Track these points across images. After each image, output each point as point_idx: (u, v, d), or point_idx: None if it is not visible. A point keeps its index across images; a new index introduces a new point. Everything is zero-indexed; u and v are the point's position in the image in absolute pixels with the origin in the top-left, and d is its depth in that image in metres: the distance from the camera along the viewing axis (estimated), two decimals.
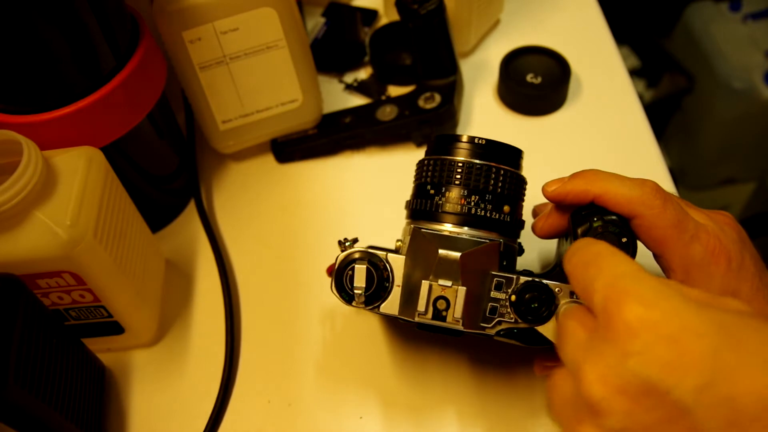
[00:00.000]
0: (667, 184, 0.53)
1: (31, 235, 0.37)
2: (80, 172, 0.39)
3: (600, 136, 0.58)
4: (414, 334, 0.47)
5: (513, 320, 0.36)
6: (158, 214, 0.55)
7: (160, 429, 0.45)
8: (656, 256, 0.37)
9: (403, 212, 0.42)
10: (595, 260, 0.30)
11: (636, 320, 0.26)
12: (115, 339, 0.46)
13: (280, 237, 0.54)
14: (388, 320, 0.47)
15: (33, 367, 0.35)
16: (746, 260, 0.36)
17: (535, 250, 0.49)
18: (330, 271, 0.39)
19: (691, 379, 0.24)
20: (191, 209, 0.56)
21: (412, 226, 0.39)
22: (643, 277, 0.28)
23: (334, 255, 0.40)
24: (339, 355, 0.47)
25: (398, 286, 0.38)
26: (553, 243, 0.44)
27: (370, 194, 0.56)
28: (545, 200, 0.42)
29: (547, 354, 0.39)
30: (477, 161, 0.39)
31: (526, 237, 0.42)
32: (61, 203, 0.38)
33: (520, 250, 0.41)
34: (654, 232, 0.35)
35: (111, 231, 0.41)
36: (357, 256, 0.39)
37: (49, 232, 0.37)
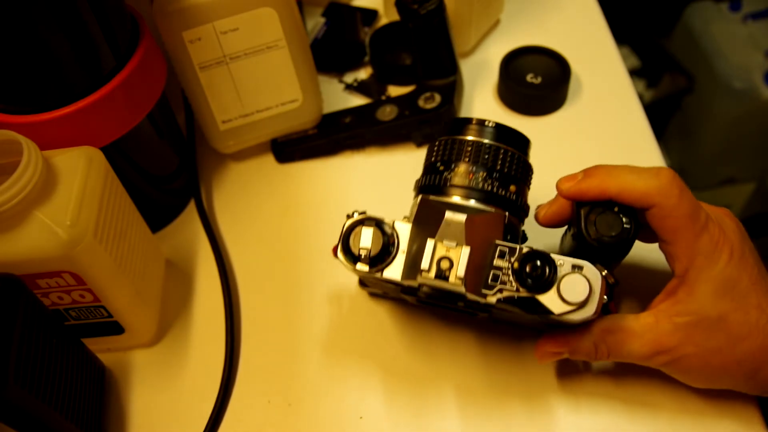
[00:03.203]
0: None
1: (31, 235, 0.37)
2: (80, 172, 0.39)
3: (600, 136, 0.58)
4: (413, 332, 0.47)
5: (514, 289, 0.36)
6: (158, 214, 0.55)
7: (160, 429, 0.45)
8: (663, 243, 0.37)
9: (404, 212, 0.42)
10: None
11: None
12: (115, 339, 0.46)
13: (280, 237, 0.54)
14: (388, 314, 0.47)
15: (33, 367, 0.35)
16: (746, 252, 0.36)
17: (538, 244, 0.49)
18: (335, 250, 0.40)
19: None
20: (191, 209, 0.56)
21: (420, 196, 0.40)
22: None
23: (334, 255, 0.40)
24: (339, 355, 0.47)
25: (403, 252, 0.38)
26: (556, 238, 0.44)
27: (370, 194, 0.56)
28: (546, 201, 0.42)
29: (549, 340, 0.40)
30: (486, 141, 0.40)
31: (531, 233, 0.42)
32: (61, 203, 0.38)
33: (524, 238, 0.41)
34: (669, 221, 0.36)
35: (111, 231, 0.41)
36: (365, 219, 0.39)
37: (49, 232, 0.37)
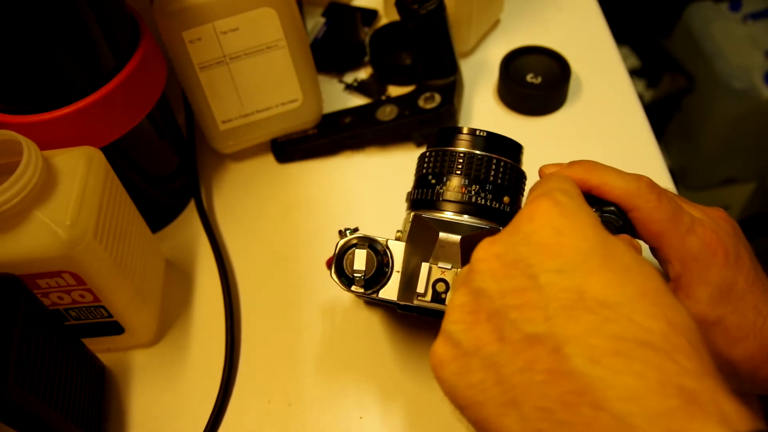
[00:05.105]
0: (667, 184, 0.53)
1: (31, 235, 0.37)
2: (80, 172, 0.39)
3: (600, 136, 0.58)
4: (413, 331, 0.47)
5: None
6: (158, 214, 0.55)
7: (160, 429, 0.45)
8: (653, 250, 0.37)
9: (403, 212, 0.42)
10: (546, 178, 0.33)
11: (540, 212, 0.29)
12: (115, 339, 0.46)
13: (280, 237, 0.54)
14: (387, 314, 0.48)
15: (33, 367, 0.35)
16: (742, 253, 0.36)
17: None
18: (329, 263, 0.40)
19: (554, 262, 0.27)
20: (191, 209, 0.56)
21: (413, 213, 0.39)
22: (572, 193, 0.31)
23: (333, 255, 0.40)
24: (339, 354, 0.47)
25: (398, 271, 0.38)
26: None
27: (369, 194, 0.56)
28: None
29: None
30: (478, 152, 0.39)
31: None
32: (61, 203, 0.38)
33: None
34: (650, 226, 0.36)
35: (111, 231, 0.41)
36: (357, 241, 0.39)
37: (49, 232, 0.37)
